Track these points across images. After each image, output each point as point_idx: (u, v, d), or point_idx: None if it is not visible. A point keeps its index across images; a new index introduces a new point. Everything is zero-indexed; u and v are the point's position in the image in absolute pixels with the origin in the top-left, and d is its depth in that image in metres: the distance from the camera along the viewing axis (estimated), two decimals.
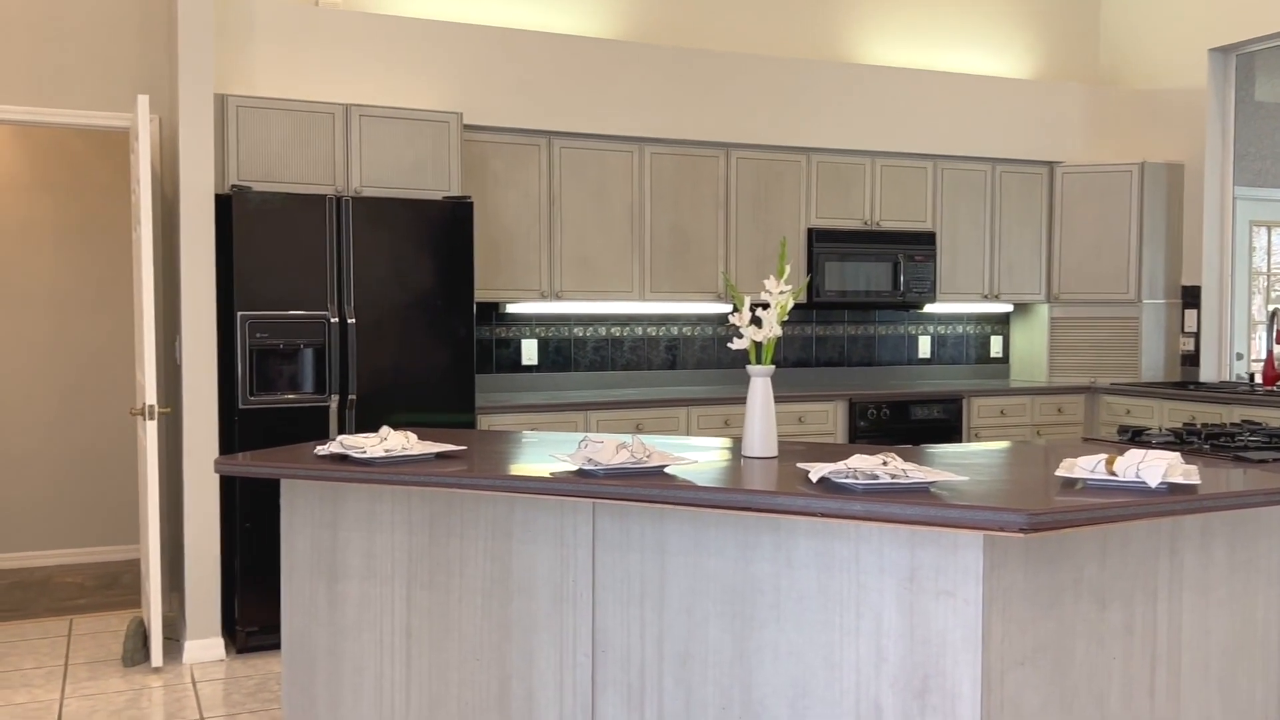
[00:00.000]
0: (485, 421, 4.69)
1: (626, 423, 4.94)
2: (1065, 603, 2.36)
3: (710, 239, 5.44)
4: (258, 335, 4.19)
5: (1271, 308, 5.94)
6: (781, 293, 2.75)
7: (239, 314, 4.16)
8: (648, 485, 2.35)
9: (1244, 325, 7.20)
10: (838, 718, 2.38)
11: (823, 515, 2.19)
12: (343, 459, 2.72)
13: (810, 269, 5.63)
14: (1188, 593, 2.50)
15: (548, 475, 2.48)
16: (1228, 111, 6.10)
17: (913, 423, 5.54)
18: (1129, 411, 5.78)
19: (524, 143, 5.08)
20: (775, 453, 2.78)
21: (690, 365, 5.77)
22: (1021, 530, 2.05)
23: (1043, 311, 6.28)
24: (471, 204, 4.52)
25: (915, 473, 2.24)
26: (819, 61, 5.66)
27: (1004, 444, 3.23)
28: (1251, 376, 5.69)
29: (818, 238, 5.62)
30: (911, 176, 5.88)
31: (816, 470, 2.27)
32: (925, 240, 5.87)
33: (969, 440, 5.69)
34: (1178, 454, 2.34)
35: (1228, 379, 6.11)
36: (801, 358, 6.04)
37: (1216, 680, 2.54)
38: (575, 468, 2.45)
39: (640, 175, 5.30)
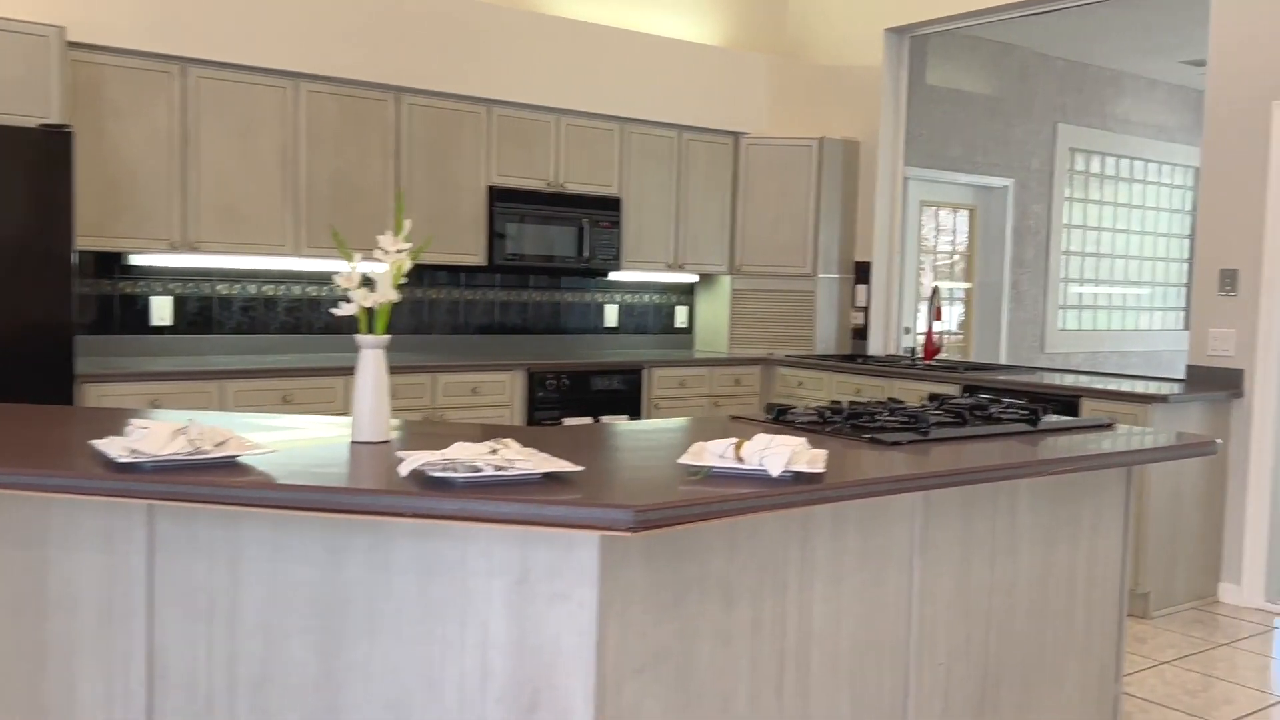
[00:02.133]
0: (94, 393, 4.03)
1: (272, 394, 4.41)
2: (690, 601, 2.15)
3: (379, 191, 4.97)
4: None
5: (932, 285, 6.22)
6: (399, 251, 2.38)
7: None
8: (201, 481, 1.93)
9: (913, 301, 7.56)
10: None
11: (399, 515, 1.85)
12: None
13: (490, 229, 5.28)
14: (820, 583, 2.37)
15: (81, 470, 2.00)
16: (900, 92, 6.28)
17: (594, 393, 5.35)
18: (801, 384, 5.86)
19: (151, 68, 4.40)
20: (388, 436, 2.41)
21: (355, 330, 5.28)
22: (630, 529, 1.80)
23: (726, 283, 6.27)
24: (70, 134, 3.83)
25: (523, 463, 1.95)
26: (503, 7, 5.29)
27: (660, 422, 3.03)
28: (913, 351, 5.91)
29: (499, 196, 5.28)
30: (598, 138, 5.66)
31: (410, 461, 1.93)
32: (611, 205, 5.67)
33: (649, 412, 5.57)
34: (804, 439, 2.18)
35: (895, 353, 6.34)
36: (483, 324, 5.70)
37: (846, 673, 2.44)
38: (118, 458, 1.98)
39: (295, 115, 4.74)
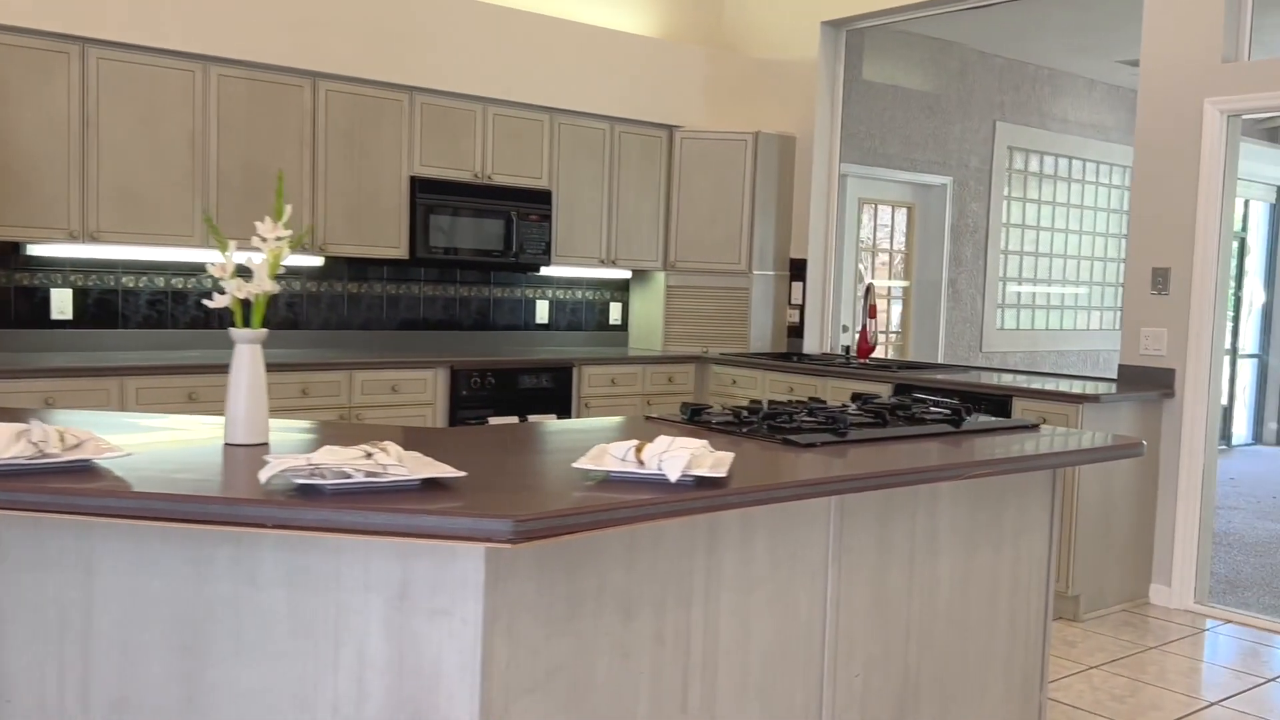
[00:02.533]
0: None
1: (177, 392, 4.21)
2: (587, 614, 2.02)
3: (294, 180, 4.77)
4: None
5: (865, 283, 6.16)
6: (278, 239, 2.22)
7: None
8: (44, 488, 1.75)
9: (851, 299, 7.49)
10: None
11: (259, 526, 1.69)
12: None
13: (413, 221, 5.10)
14: (727, 593, 2.25)
15: None
16: (837, 86, 6.20)
17: (521, 392, 5.19)
18: (735, 381, 5.75)
19: (46, 48, 4.17)
20: (265, 438, 2.25)
21: (273, 324, 5.08)
22: (509, 541, 1.66)
23: (660, 279, 6.14)
24: None
25: (398, 469, 1.80)
26: None
27: (571, 423, 2.90)
28: (847, 349, 5.83)
29: (422, 188, 5.11)
30: (527, 129, 5.50)
31: (272, 466, 1.77)
32: (541, 199, 5.51)
33: (579, 411, 5.43)
34: (705, 442, 2.05)
35: (830, 351, 6.26)
36: (408, 320, 5.51)
37: (756, 687, 2.32)
38: None
39: (205, 100, 4.53)
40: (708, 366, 5.90)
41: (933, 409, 3.02)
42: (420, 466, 1.87)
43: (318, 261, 5.10)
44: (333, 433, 2.51)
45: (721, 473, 1.96)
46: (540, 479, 2.01)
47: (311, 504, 1.70)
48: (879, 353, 7.64)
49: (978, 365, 7.36)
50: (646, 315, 6.25)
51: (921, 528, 2.64)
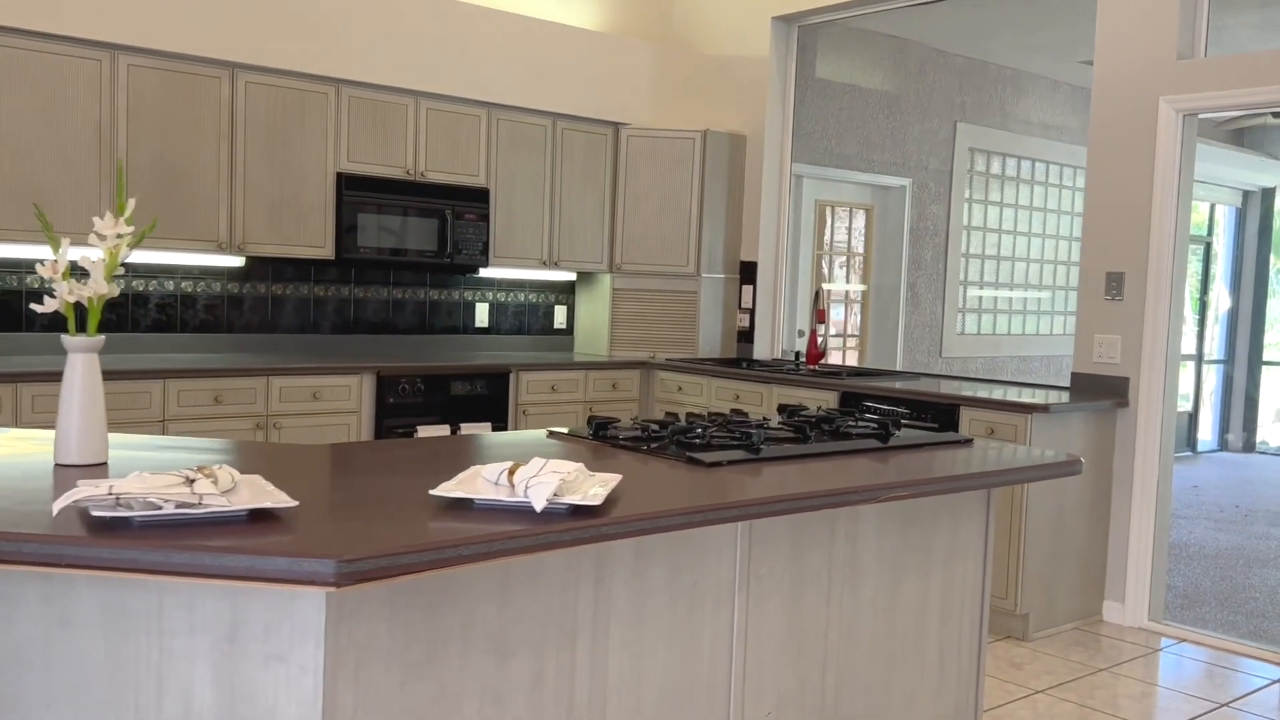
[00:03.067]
0: None
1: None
2: (451, 657, 1.81)
3: (210, 177, 4.53)
4: None
5: (815, 287, 5.97)
6: (119, 236, 1.99)
7: None
8: None
9: (808, 303, 7.31)
10: None
11: (51, 565, 1.47)
12: None
13: (339, 220, 4.87)
14: (619, 628, 2.04)
15: None
16: (789, 84, 6.01)
17: (454, 399, 4.97)
18: (680, 388, 5.55)
19: None
20: (103, 458, 2.02)
21: (193, 328, 4.84)
22: (334, 584, 1.45)
23: (606, 282, 5.93)
24: None
25: (215, 499, 1.58)
26: None
27: (457, 439, 2.68)
28: (798, 355, 5.64)
29: (349, 184, 4.87)
30: (463, 125, 5.28)
31: (67, 496, 1.55)
32: (478, 197, 5.29)
33: (516, 419, 5.21)
34: (579, 465, 1.85)
35: (781, 357, 6.07)
36: (338, 323, 5.28)
37: None
38: None
39: (113, 91, 4.29)
40: (653, 372, 5.70)
41: (861, 422, 2.83)
42: (252, 495, 1.65)
43: (238, 262, 4.86)
44: (189, 452, 2.28)
45: (597, 500, 1.75)
46: (396, 507, 1.79)
47: (109, 540, 1.48)
48: (834, 359, 7.47)
49: (932, 373, 7.21)
50: (592, 319, 6.04)
51: (841, 552, 2.44)
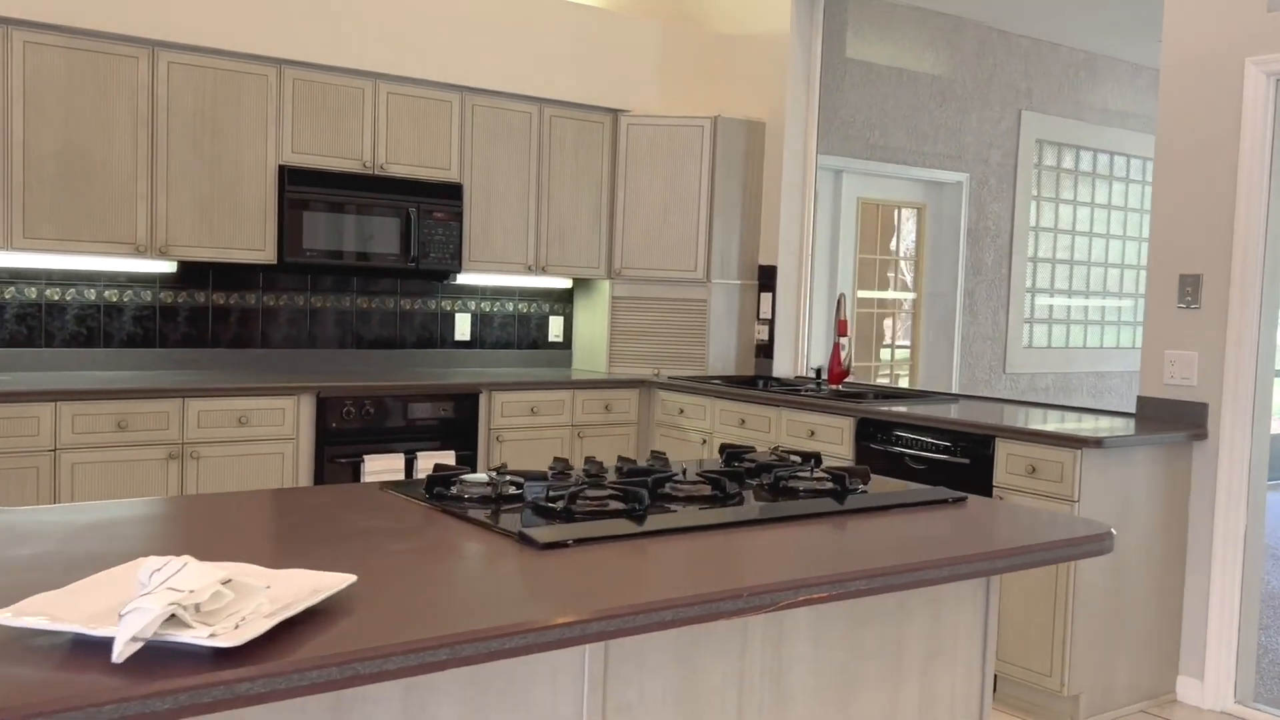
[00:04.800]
0: None
1: None
2: None
3: (126, 170, 3.99)
4: None
5: (839, 293, 5.23)
6: None
7: None
8: None
9: (851, 314, 6.54)
10: None
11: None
12: None
13: (281, 219, 4.28)
14: None
15: None
16: (813, 64, 5.27)
17: (412, 423, 4.34)
18: (682, 410, 4.84)
19: None
20: None
21: (119, 343, 4.30)
22: None
23: (605, 289, 5.26)
24: None
25: None
26: None
27: (171, 501, 2.04)
28: (818, 373, 4.89)
29: (293, 179, 4.29)
30: (431, 111, 4.66)
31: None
32: (449, 193, 4.67)
33: (489, 445, 4.56)
34: (248, 566, 1.17)
35: (804, 374, 5.31)
36: (290, 336, 4.69)
37: None
38: None
39: (6, 72, 3.76)
40: (654, 392, 5.00)
41: (816, 473, 2.10)
42: None
43: (168, 267, 4.31)
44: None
45: (231, 640, 1.07)
46: None
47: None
48: (881, 376, 6.67)
49: (979, 395, 6.39)
50: (591, 332, 5.37)
51: (759, 663, 1.72)
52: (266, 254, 4.28)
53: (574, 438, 4.78)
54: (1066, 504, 3.36)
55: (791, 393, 4.49)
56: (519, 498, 1.84)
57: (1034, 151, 7.33)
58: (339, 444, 4.18)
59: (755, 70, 5.30)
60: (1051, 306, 7.62)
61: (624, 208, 5.18)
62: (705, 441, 4.69)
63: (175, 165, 4.07)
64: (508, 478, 1.91)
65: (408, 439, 4.34)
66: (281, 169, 4.28)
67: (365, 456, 4.21)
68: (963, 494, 2.09)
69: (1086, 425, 3.63)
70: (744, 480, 2.07)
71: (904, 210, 6.94)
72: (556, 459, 2.08)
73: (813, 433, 4.22)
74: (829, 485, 2.02)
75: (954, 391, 6.72)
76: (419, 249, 4.58)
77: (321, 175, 4.35)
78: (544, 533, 1.60)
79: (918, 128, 6.67)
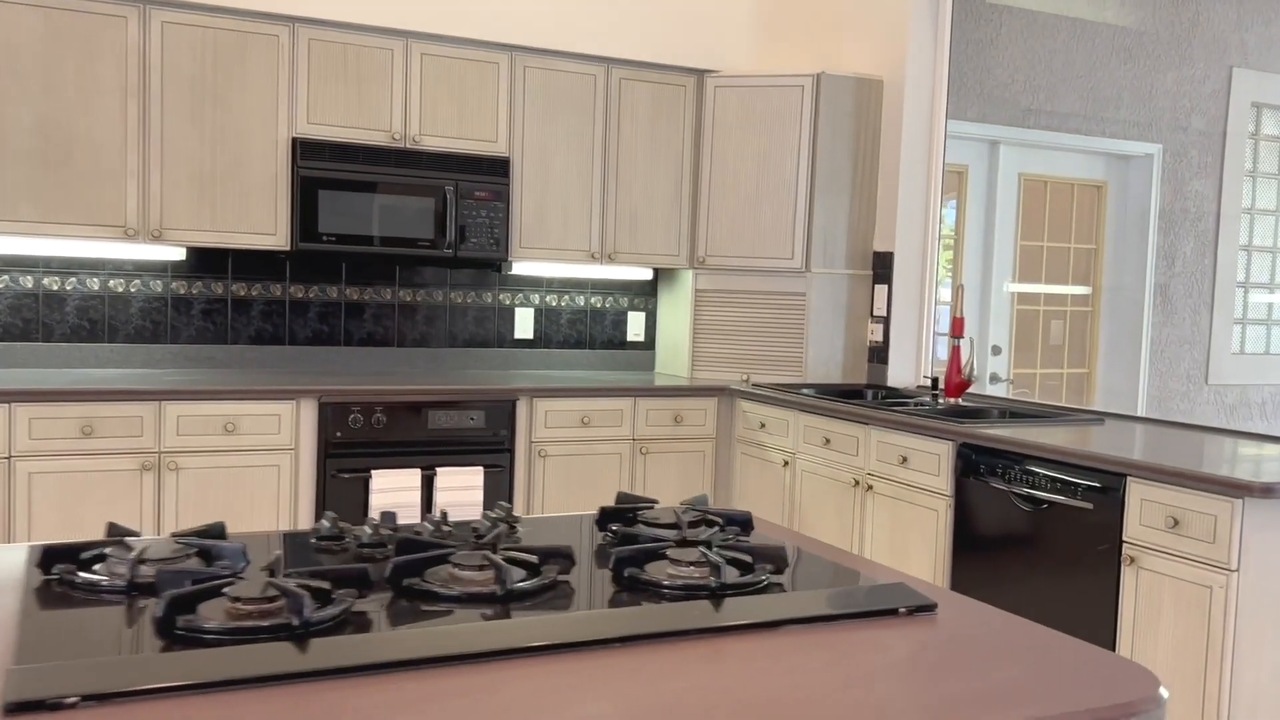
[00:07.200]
0: None
1: None
2: None
3: (114, 144, 3.57)
4: None
5: (957, 284, 4.26)
6: None
7: None
8: None
9: (1009, 312, 5.52)
10: None
11: None
12: None
13: (294, 199, 3.78)
14: None
15: None
16: (943, 11, 4.34)
17: (434, 434, 3.75)
18: (764, 425, 4.04)
19: None
20: None
21: (125, 337, 3.91)
22: None
23: (688, 280, 4.51)
24: None
25: None
26: None
27: None
28: (935, 382, 3.98)
29: (306, 153, 3.78)
30: (473, 74, 4.05)
31: None
32: (494, 170, 4.05)
33: (530, 462, 3.91)
34: None
35: (925, 382, 4.39)
36: (319, 331, 4.20)
37: None
38: None
39: None
40: (735, 401, 4.22)
41: (715, 551, 1.32)
42: None
43: (176, 254, 3.88)
44: None
45: None
46: None
47: None
48: (1050, 386, 5.61)
49: (1141, 415, 5.27)
50: (674, 330, 4.63)
51: None
52: (278, 239, 3.79)
53: (635, 454, 4.07)
54: (1220, 573, 2.38)
55: (890, 407, 3.61)
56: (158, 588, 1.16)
57: (1249, 117, 6.05)
58: (344, 456, 3.63)
59: (870, 17, 4.42)
60: (1270, 305, 6.29)
61: (709, 185, 4.42)
62: (787, 464, 3.88)
63: (170, 139, 3.63)
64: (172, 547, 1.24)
65: (426, 453, 3.74)
66: (294, 142, 3.77)
67: (373, 472, 3.64)
68: (928, 601, 1.25)
69: (1261, 466, 2.61)
70: (604, 556, 1.32)
71: (1078, 189, 5.83)
72: (432, 516, 1.38)
73: (904, 459, 3.34)
74: (710, 580, 1.24)
75: (1138, 410, 5.59)
76: (457, 234, 3.98)
77: (342, 149, 3.82)
78: (29, 683, 0.91)
79: (1096, 90, 5.57)
